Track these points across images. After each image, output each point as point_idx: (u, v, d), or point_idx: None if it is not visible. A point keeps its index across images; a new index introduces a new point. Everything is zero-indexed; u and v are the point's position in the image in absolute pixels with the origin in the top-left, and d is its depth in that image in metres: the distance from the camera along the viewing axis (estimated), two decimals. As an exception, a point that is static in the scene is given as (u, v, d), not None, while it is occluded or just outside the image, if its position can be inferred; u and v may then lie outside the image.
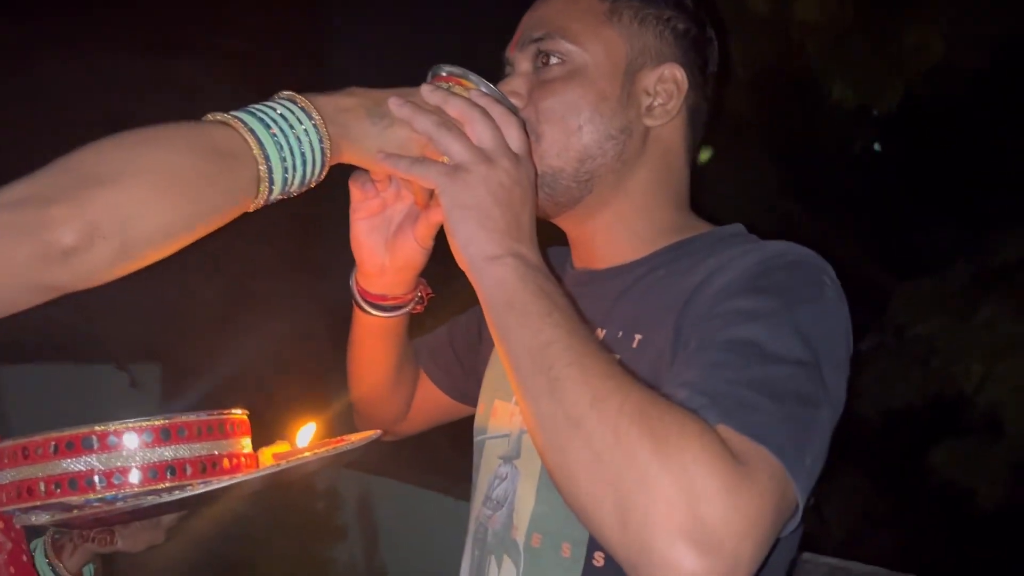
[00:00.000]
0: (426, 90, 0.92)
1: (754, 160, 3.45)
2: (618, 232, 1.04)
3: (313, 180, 0.84)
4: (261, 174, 0.78)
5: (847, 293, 0.92)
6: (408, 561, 3.28)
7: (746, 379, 0.79)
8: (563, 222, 1.07)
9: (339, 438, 1.01)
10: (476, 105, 0.91)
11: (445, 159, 0.89)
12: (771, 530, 0.72)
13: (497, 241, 0.86)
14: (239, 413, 0.89)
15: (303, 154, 0.80)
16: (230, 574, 3.57)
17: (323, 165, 0.83)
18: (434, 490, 3.11)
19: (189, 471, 0.81)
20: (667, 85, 1.02)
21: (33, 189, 0.69)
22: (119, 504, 0.79)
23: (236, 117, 0.79)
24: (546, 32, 1.00)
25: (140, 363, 4.23)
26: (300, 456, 0.90)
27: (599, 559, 0.93)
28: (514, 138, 0.91)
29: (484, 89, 0.94)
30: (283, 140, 0.79)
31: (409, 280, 1.11)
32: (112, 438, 0.79)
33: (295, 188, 0.82)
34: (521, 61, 1.03)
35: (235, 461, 0.85)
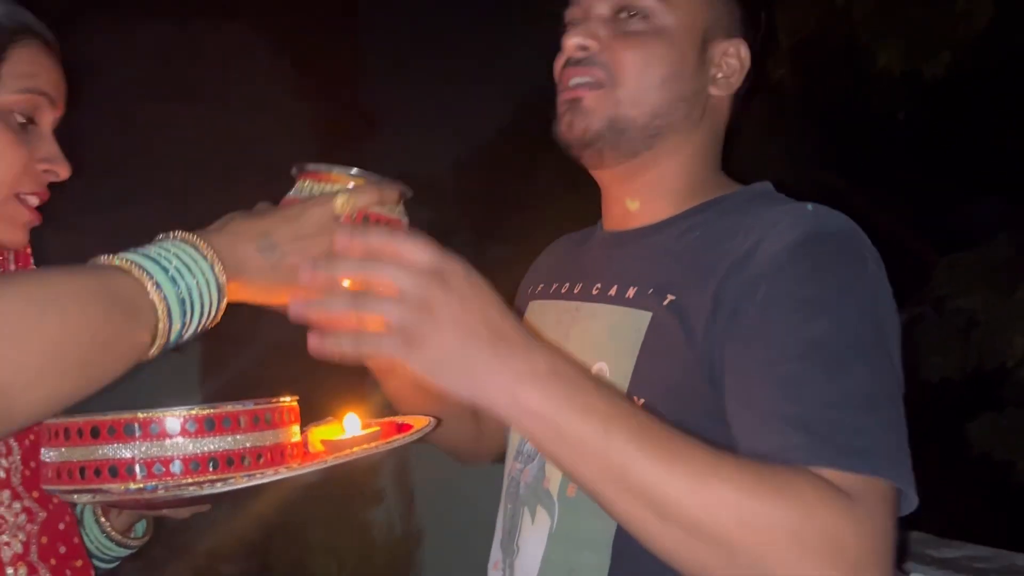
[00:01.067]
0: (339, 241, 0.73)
1: (794, 129, 3.40)
2: (658, 190, 1.05)
3: (207, 325, 0.79)
4: (160, 330, 0.74)
5: (887, 265, 0.92)
6: (443, 523, 3.33)
7: (834, 397, 0.80)
8: (608, 175, 1.06)
9: (389, 420, 1.00)
10: (381, 234, 0.73)
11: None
12: (892, 544, 0.76)
13: (500, 377, 0.72)
14: (287, 401, 0.85)
15: (202, 303, 0.77)
16: (271, 536, 3.65)
17: (218, 310, 0.79)
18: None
19: (232, 464, 0.78)
20: (732, 59, 1.03)
21: None
22: (160, 492, 0.77)
23: (139, 265, 0.73)
24: None
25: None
26: (345, 453, 0.87)
27: None
28: (426, 248, 0.72)
29: (354, 172, 0.89)
30: (185, 291, 0.75)
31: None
32: (154, 426, 0.76)
33: (188, 336, 0.78)
34: (598, 5, 1.01)
35: (280, 452, 0.82)
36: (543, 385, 0.72)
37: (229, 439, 0.78)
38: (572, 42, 1.01)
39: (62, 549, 0.86)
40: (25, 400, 0.67)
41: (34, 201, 0.88)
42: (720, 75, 1.03)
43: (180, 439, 0.76)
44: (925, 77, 2.83)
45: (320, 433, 0.95)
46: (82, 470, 0.76)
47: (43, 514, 0.85)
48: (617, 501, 0.74)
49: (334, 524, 3.53)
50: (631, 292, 0.99)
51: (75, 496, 0.78)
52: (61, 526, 0.88)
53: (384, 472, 3.45)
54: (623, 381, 0.94)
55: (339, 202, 0.85)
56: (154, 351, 0.75)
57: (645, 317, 0.96)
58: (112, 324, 0.70)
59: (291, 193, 0.93)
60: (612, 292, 1.02)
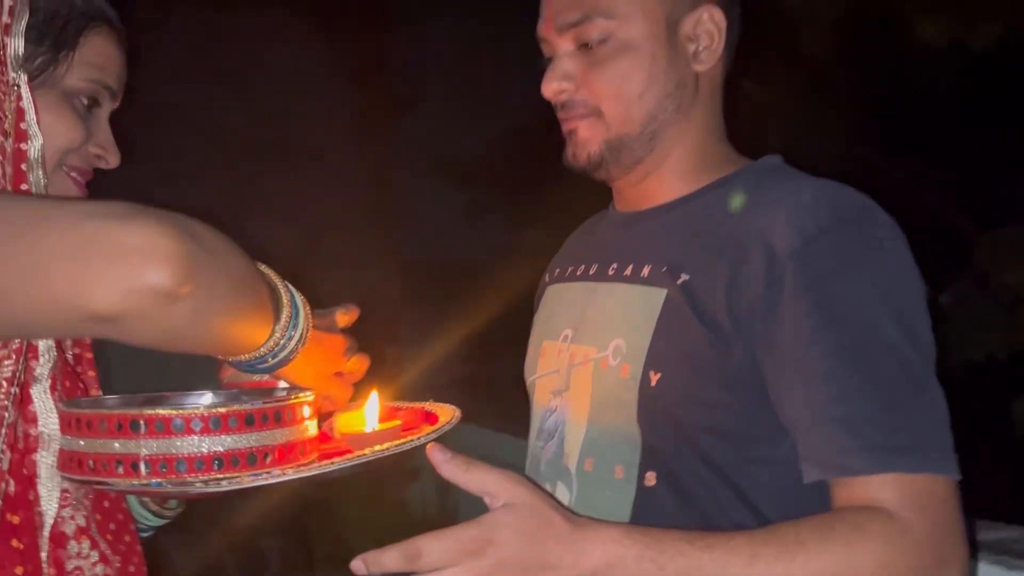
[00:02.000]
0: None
1: (833, 103, 3.35)
2: (669, 174, 1.06)
3: (282, 362, 0.84)
4: (276, 336, 0.81)
5: (926, 242, 0.93)
6: (479, 499, 3.35)
7: (876, 394, 0.86)
8: (620, 183, 1.08)
9: (415, 407, 1.00)
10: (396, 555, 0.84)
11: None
12: (962, 527, 0.85)
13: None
14: (302, 397, 0.84)
15: (292, 347, 0.83)
16: (309, 511, 3.71)
17: (285, 362, 0.84)
18: (503, 432, 3.17)
19: (237, 463, 0.76)
20: (707, 26, 1.02)
21: (156, 218, 0.67)
22: (167, 488, 0.76)
23: (290, 295, 0.83)
24: (582, 14, 1.00)
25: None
26: (350, 457, 0.84)
27: (651, 479, 0.96)
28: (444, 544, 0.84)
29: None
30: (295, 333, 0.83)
31: None
32: (160, 424, 0.75)
33: (271, 361, 0.83)
34: (562, 43, 1.02)
35: (290, 450, 0.80)
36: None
37: (236, 437, 0.76)
38: (548, 92, 1.03)
39: (112, 526, 0.88)
40: (216, 318, 0.74)
41: (79, 178, 0.91)
42: (699, 48, 1.02)
43: (186, 437, 0.75)
44: (974, 50, 2.76)
45: (345, 420, 0.94)
46: (91, 462, 0.76)
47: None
48: None
49: (371, 500, 3.57)
50: (646, 271, 1.01)
51: (84, 486, 0.79)
52: (106, 504, 0.90)
53: (418, 450, 3.46)
54: (639, 356, 0.96)
55: None
56: (248, 356, 0.81)
57: (660, 294, 0.98)
58: (266, 300, 0.79)
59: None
60: (628, 272, 1.04)
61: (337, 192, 4.33)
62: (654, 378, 0.95)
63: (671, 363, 0.95)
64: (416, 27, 4.62)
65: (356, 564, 0.82)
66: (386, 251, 4.35)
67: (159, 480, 0.75)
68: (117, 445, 0.75)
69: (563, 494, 1.01)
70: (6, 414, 0.74)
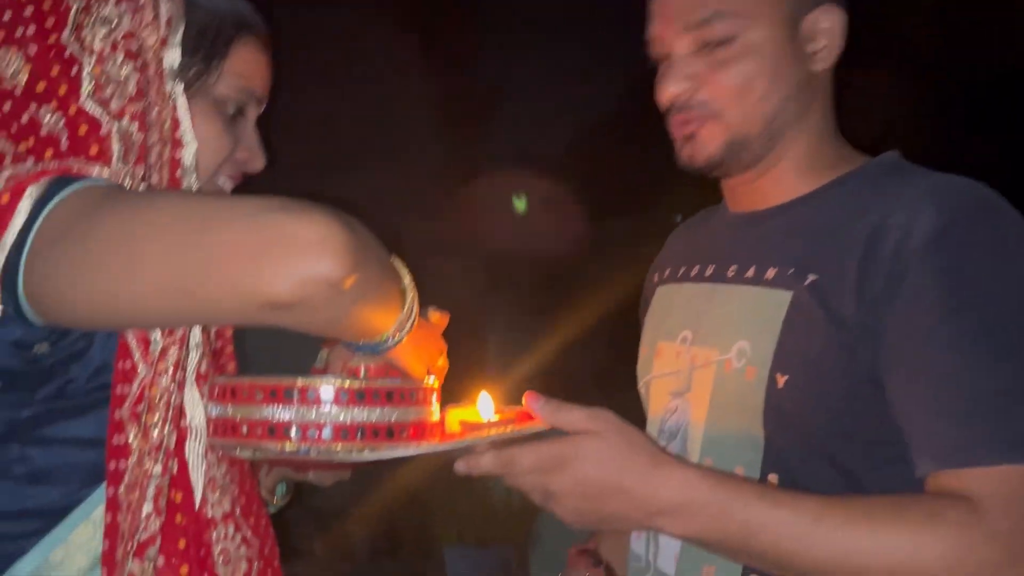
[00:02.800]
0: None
1: (937, 93, 3.23)
2: (786, 173, 1.04)
3: (391, 343, 0.88)
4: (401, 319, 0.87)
5: None
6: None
7: (996, 387, 0.84)
8: (735, 180, 1.07)
9: (521, 408, 1.03)
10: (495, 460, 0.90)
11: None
12: None
13: (630, 522, 0.90)
14: (430, 383, 0.91)
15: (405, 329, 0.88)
16: (397, 501, 3.79)
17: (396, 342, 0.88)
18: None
19: (378, 435, 0.83)
20: (824, 28, 1.00)
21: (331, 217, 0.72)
22: (312, 455, 0.83)
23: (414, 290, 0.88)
24: (711, 12, 0.98)
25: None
26: (482, 433, 0.91)
27: (772, 480, 0.95)
28: (529, 455, 0.90)
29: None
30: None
31: None
32: (311, 393, 0.81)
33: (390, 343, 0.87)
34: (680, 45, 1.00)
35: (421, 428, 0.87)
36: (669, 519, 0.87)
37: (377, 411, 0.83)
38: (665, 96, 1.01)
39: (254, 507, 0.93)
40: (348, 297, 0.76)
41: (229, 185, 0.95)
42: (818, 49, 1.00)
43: (333, 407, 0.81)
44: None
45: (457, 414, 0.99)
46: (245, 427, 0.82)
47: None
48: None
49: (455, 491, 3.63)
50: (770, 273, 0.99)
51: (237, 451, 0.84)
52: (248, 488, 0.94)
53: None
54: (766, 358, 0.95)
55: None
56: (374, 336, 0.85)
57: (786, 296, 0.96)
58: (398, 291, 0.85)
59: (316, 364, 1.05)
60: (750, 273, 1.02)
61: (424, 179, 4.39)
62: (781, 380, 0.94)
63: (798, 365, 0.94)
64: (500, 23, 4.65)
65: (459, 465, 0.90)
66: (472, 238, 4.39)
67: (307, 446, 0.81)
68: (270, 411, 0.81)
69: None
70: (173, 397, 0.80)
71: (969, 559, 0.80)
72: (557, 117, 4.42)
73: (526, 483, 0.89)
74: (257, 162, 0.96)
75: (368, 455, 0.82)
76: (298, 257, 0.69)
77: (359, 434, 0.82)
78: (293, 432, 0.81)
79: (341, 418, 0.81)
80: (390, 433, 0.83)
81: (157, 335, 0.78)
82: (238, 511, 0.89)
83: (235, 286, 0.70)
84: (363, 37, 4.41)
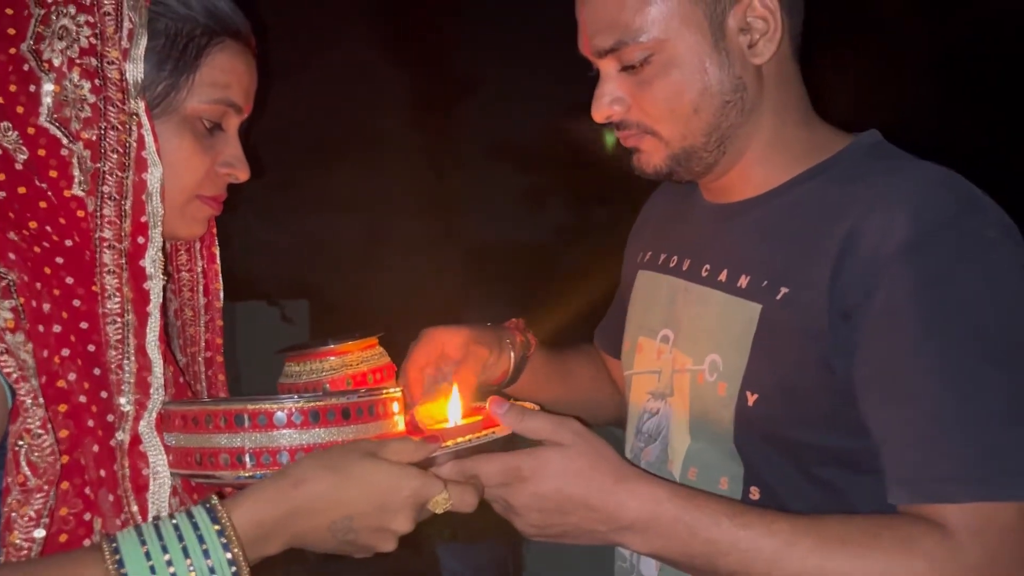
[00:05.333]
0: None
1: (914, 72, 3.23)
2: (753, 167, 1.01)
3: None
4: None
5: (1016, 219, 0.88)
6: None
7: (972, 418, 0.81)
8: (700, 182, 1.05)
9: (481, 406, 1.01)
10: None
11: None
12: (1019, 556, 0.78)
13: (593, 536, 0.88)
14: (391, 392, 0.87)
15: None
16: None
17: None
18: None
19: None
20: (758, 12, 0.94)
21: None
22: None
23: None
24: (616, 41, 0.94)
25: (290, 299, 4.45)
26: (438, 445, 0.87)
27: (755, 493, 0.93)
28: (493, 466, 0.89)
29: (332, 345, 0.95)
30: None
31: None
32: (262, 417, 0.79)
33: None
34: (605, 66, 0.98)
35: None
36: (634, 535, 0.86)
37: (334, 431, 0.80)
38: (598, 118, 1.00)
39: None
40: None
41: (207, 211, 0.92)
42: (754, 39, 0.95)
43: (287, 430, 0.78)
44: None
45: (426, 412, 0.96)
46: (199, 457, 0.80)
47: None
48: None
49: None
50: (743, 281, 0.97)
51: (193, 481, 0.82)
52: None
53: (494, 443, 3.48)
54: (736, 375, 0.93)
55: (437, 502, 0.82)
56: None
57: (755, 309, 0.94)
58: None
59: (281, 379, 1.02)
60: (722, 277, 1.00)
61: (398, 180, 4.36)
62: (751, 399, 0.92)
63: (769, 384, 0.91)
64: (477, 10, 4.61)
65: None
66: (450, 233, 4.37)
67: (263, 472, 0.78)
68: (223, 439, 0.78)
69: None
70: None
71: None
72: (535, 106, 4.39)
73: (488, 494, 0.88)
74: (240, 174, 0.91)
75: None
76: None
77: None
78: (247, 459, 0.79)
79: (297, 441, 0.78)
80: None
81: (32, 481, 0.72)
82: None
83: None
84: (335, 32, 4.37)
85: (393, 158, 4.54)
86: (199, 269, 0.98)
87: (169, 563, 0.68)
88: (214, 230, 0.98)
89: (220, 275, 0.99)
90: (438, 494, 0.81)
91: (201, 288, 0.98)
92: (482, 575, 3.65)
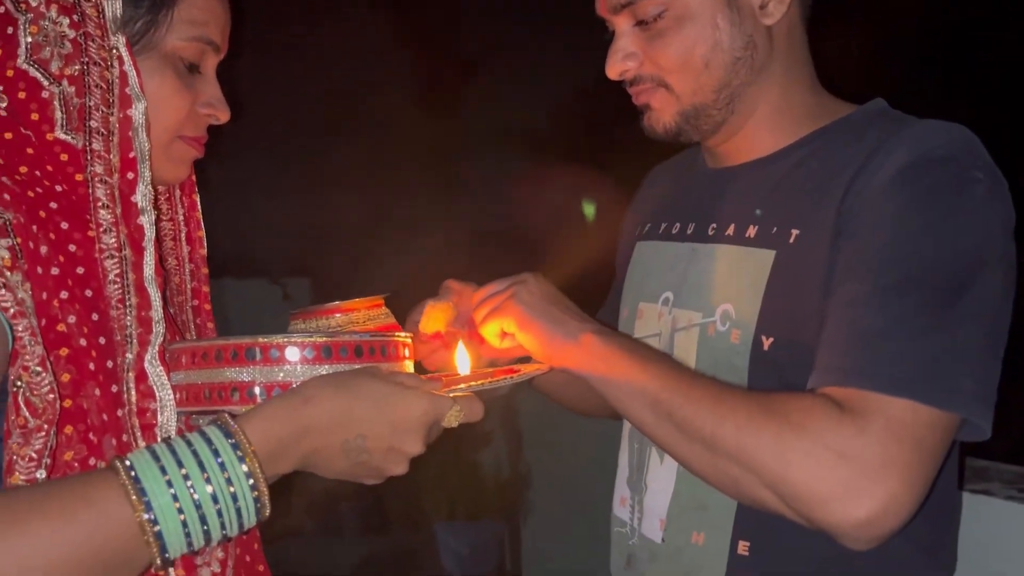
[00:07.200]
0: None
1: (912, 52, 3.22)
2: (759, 130, 1.02)
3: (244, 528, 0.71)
4: (157, 563, 0.67)
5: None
6: (551, 466, 3.39)
7: (875, 330, 0.84)
8: (707, 143, 1.06)
9: (506, 368, 1.02)
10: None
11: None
12: (915, 461, 0.80)
13: (565, 327, 0.96)
14: (403, 336, 0.86)
15: (223, 518, 0.68)
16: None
17: (259, 512, 0.71)
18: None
19: None
20: None
21: None
22: None
23: (138, 490, 0.65)
24: None
25: (292, 278, 4.46)
26: (454, 386, 0.87)
27: None
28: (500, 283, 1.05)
29: (339, 303, 0.98)
30: (193, 521, 0.67)
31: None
32: (274, 351, 0.77)
33: (218, 540, 0.70)
34: (619, 22, 1.00)
35: None
36: (595, 336, 0.94)
37: (344, 367, 0.78)
38: (612, 73, 1.01)
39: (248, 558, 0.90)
40: None
41: (191, 153, 0.90)
42: (766, 1, 0.97)
43: (298, 365, 0.77)
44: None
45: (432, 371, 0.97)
46: (207, 392, 0.78)
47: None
48: (652, 424, 0.90)
49: (444, 464, 3.63)
50: (751, 231, 0.98)
51: (202, 421, 0.79)
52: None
53: (492, 416, 3.51)
54: (750, 322, 0.94)
55: (451, 416, 0.80)
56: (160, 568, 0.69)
57: (768, 256, 0.95)
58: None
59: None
60: (730, 232, 1.01)
61: (402, 160, 4.36)
62: (766, 343, 0.93)
63: (783, 326, 0.93)
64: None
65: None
66: (453, 214, 4.37)
67: None
68: (233, 373, 0.77)
69: (671, 458, 1.01)
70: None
71: (822, 463, 0.80)
72: (538, 88, 4.38)
73: (497, 288, 1.02)
74: (221, 114, 0.90)
75: None
76: None
77: None
78: (258, 392, 0.77)
79: (307, 375, 0.77)
80: None
81: (32, 422, 0.70)
82: (229, 570, 0.85)
83: None
84: (340, 11, 4.35)
85: (397, 138, 4.54)
86: (180, 217, 0.96)
87: (186, 477, 0.67)
88: (194, 177, 0.97)
89: (202, 224, 0.97)
90: (449, 410, 0.80)
91: (184, 236, 0.96)
92: (480, 552, 3.68)
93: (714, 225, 1.03)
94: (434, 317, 1.00)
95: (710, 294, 1.00)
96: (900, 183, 0.87)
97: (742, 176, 1.04)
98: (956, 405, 0.82)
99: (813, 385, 0.86)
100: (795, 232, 0.94)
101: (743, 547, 0.94)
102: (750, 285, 0.95)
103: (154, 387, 0.78)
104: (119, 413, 0.76)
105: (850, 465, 0.79)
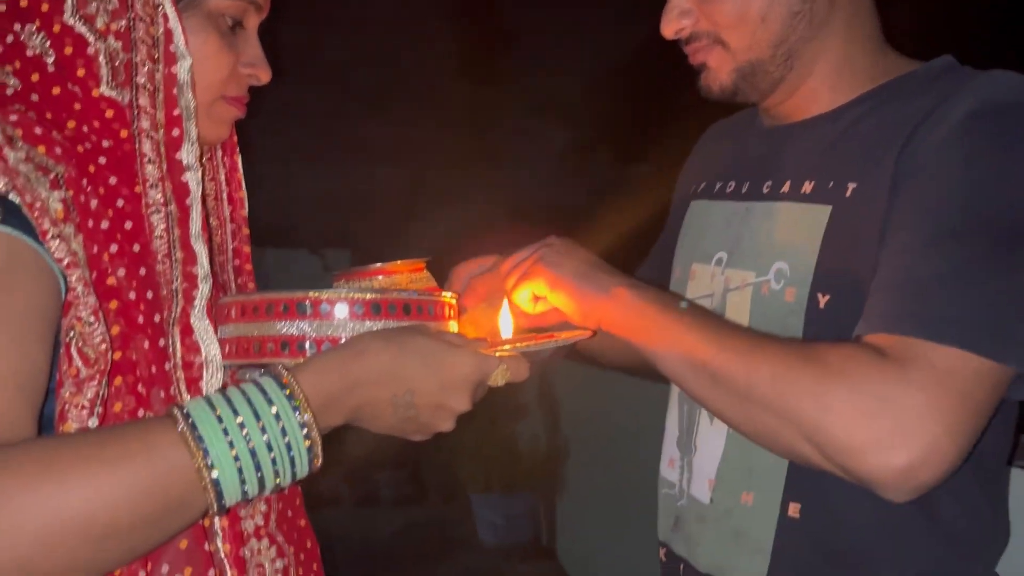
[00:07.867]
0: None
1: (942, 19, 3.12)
2: (819, 88, 0.99)
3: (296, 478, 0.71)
4: (215, 508, 0.68)
5: None
6: (587, 438, 3.39)
7: (927, 276, 0.81)
8: (765, 103, 1.04)
9: (548, 334, 1.02)
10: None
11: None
12: (960, 410, 0.77)
13: (598, 282, 0.95)
14: (449, 296, 0.86)
15: (277, 468, 0.69)
16: (420, 446, 3.83)
17: (312, 463, 0.71)
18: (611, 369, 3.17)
19: None
20: None
21: None
22: None
23: (197, 439, 0.66)
24: None
25: (332, 248, 4.50)
26: (499, 347, 0.87)
27: None
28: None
29: (381, 264, 0.98)
30: (249, 472, 0.67)
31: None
32: (324, 306, 0.77)
33: (271, 489, 0.70)
34: None
35: None
36: (627, 289, 0.93)
37: (392, 324, 0.79)
38: (666, 33, 0.98)
39: (289, 513, 0.90)
40: None
41: (233, 113, 0.90)
42: None
43: (348, 320, 0.78)
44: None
45: (473, 321, 0.97)
46: (256, 346, 0.79)
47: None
48: (688, 377, 0.89)
49: (481, 434, 3.65)
50: (807, 187, 0.96)
51: (248, 375, 0.79)
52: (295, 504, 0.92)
53: (528, 388, 3.53)
54: (806, 279, 0.92)
55: (497, 375, 0.80)
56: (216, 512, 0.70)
57: (824, 211, 0.92)
58: (158, 527, 0.67)
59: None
60: (785, 188, 0.98)
61: (442, 132, 4.36)
62: (822, 300, 0.91)
63: (840, 283, 0.90)
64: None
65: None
66: (490, 185, 4.37)
67: None
68: (283, 326, 0.78)
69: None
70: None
71: (860, 409, 0.78)
72: (577, 59, 4.34)
73: (526, 253, 1.01)
74: (262, 74, 0.90)
75: None
76: None
77: None
78: (308, 347, 0.77)
79: (356, 331, 0.77)
80: None
81: (84, 372, 0.71)
82: (272, 522, 0.85)
83: None
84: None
85: (438, 110, 4.54)
86: (222, 177, 0.97)
87: (241, 425, 0.67)
88: (235, 138, 0.97)
89: (243, 184, 0.98)
90: (496, 368, 0.80)
91: (225, 196, 0.96)
92: (516, 524, 3.71)
93: (769, 183, 1.01)
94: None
95: (764, 252, 0.98)
96: (963, 132, 0.84)
97: (799, 133, 1.01)
98: (1009, 357, 0.77)
99: (858, 333, 0.83)
100: (852, 186, 0.91)
101: (794, 509, 0.93)
102: (806, 241, 0.93)
103: (199, 342, 0.79)
104: (166, 366, 0.77)
105: (891, 411, 0.76)
